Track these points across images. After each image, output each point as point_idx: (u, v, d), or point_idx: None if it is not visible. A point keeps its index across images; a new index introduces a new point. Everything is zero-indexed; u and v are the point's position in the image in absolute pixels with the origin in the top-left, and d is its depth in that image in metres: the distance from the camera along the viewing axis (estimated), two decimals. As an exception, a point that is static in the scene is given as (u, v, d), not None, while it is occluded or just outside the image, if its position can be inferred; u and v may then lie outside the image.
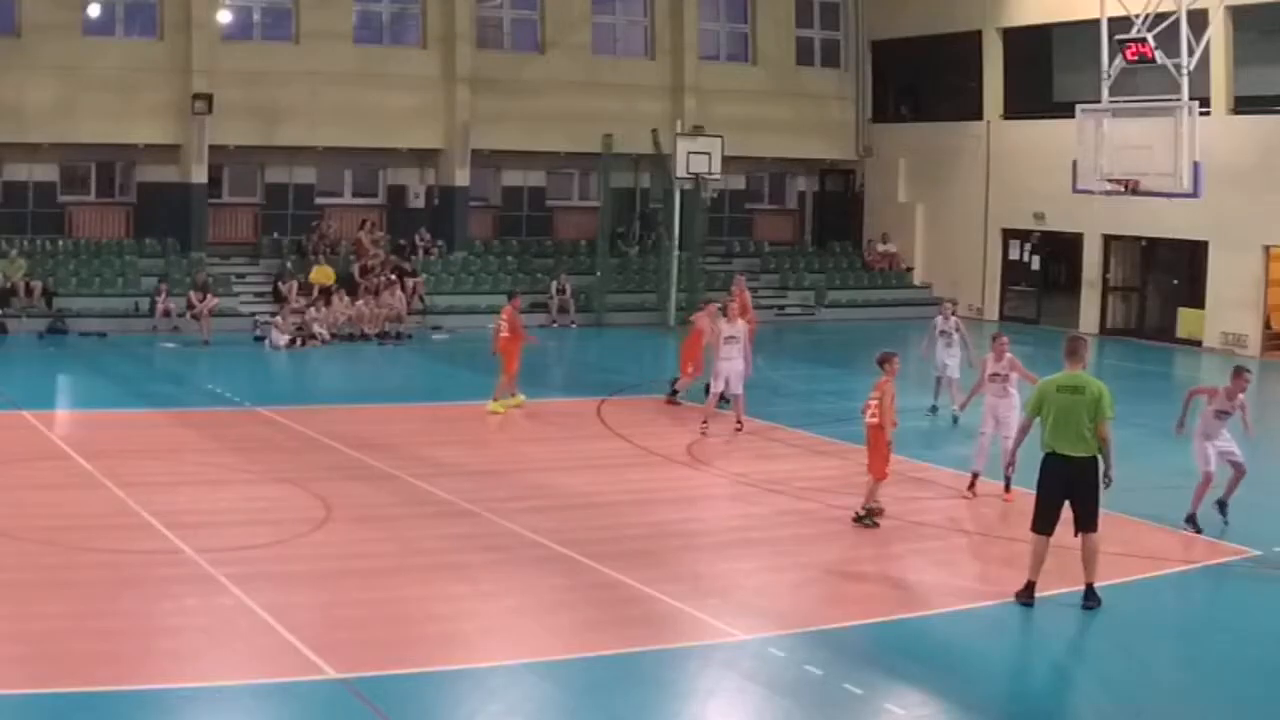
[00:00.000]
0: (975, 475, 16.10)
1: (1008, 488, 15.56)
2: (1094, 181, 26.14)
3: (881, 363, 14.93)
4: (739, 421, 19.64)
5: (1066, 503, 11.78)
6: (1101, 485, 11.73)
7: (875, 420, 14.61)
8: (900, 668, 10.48)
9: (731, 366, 19.62)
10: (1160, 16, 25.39)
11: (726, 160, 32.98)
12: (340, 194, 34.63)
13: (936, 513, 15.17)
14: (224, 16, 31.18)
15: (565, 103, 34.21)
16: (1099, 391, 11.66)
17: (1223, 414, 15.00)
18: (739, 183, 37.71)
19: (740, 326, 20.01)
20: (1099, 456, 11.66)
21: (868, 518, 14.49)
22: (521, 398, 20.98)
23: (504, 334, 20.99)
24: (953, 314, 21.79)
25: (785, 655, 10.54)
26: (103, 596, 11.30)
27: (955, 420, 20.25)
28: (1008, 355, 16.43)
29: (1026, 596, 11.86)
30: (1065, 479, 11.70)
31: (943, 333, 21.43)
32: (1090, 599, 11.84)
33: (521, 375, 21.22)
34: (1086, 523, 11.76)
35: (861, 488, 15.07)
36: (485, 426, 20.01)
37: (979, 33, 35.51)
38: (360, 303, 29.73)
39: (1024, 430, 12.40)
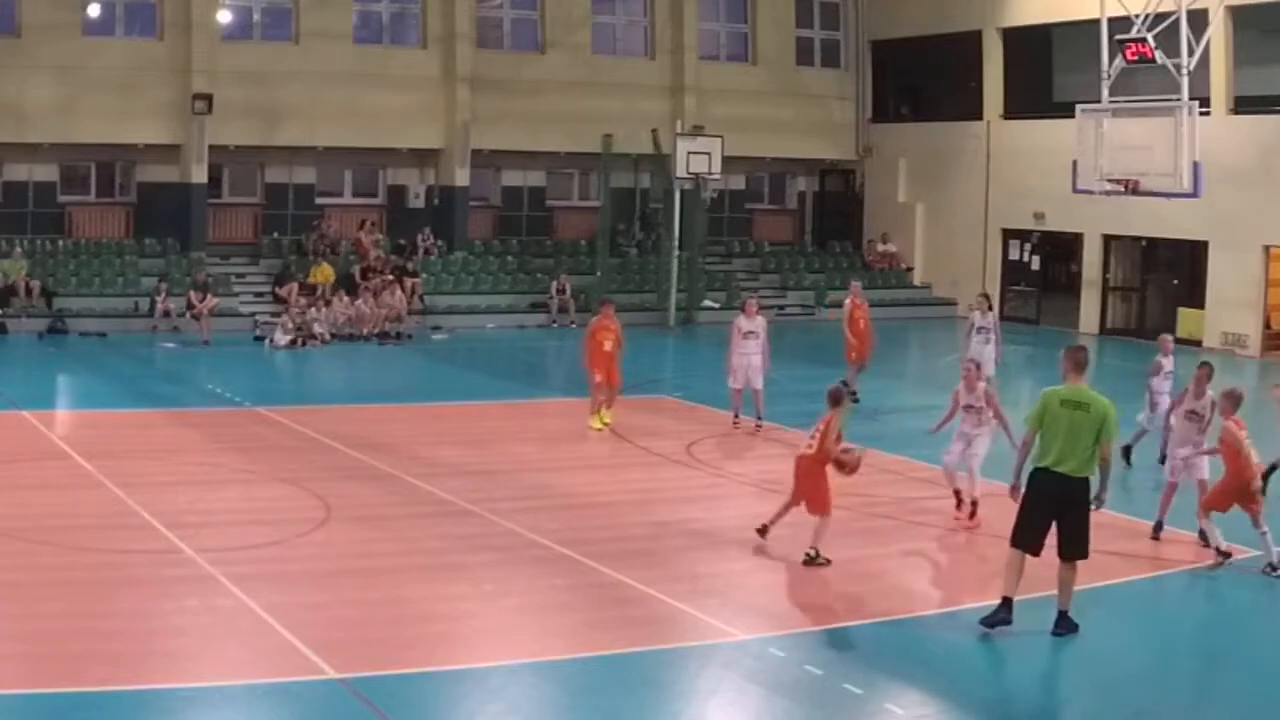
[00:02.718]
0: (958, 493, 15.11)
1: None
2: (1094, 181, 26.14)
3: (837, 399, 13.71)
4: (759, 419, 19.68)
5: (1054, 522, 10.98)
6: (1092, 507, 10.99)
7: (810, 451, 13.33)
8: (900, 668, 10.48)
9: (748, 362, 19.64)
10: (1160, 16, 25.39)
11: (726, 160, 32.98)
12: (340, 194, 34.64)
13: (936, 513, 15.16)
14: (224, 16, 31.20)
15: (565, 103, 34.21)
16: (1105, 410, 10.86)
17: (1192, 415, 14.50)
18: (739, 183, 37.70)
19: (759, 322, 19.98)
20: (1090, 478, 10.92)
21: (818, 557, 12.99)
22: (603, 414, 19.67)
23: (607, 347, 19.50)
24: (990, 309, 21.57)
25: (785, 655, 10.54)
26: (103, 596, 11.30)
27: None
28: (981, 385, 15.32)
29: (1006, 614, 10.99)
30: (1057, 498, 10.87)
31: (980, 329, 21.16)
32: (1062, 626, 11.03)
33: (522, 375, 21.23)
34: (1077, 549, 10.95)
35: (861, 487, 15.07)
36: (485, 426, 20.00)
37: (979, 33, 35.52)
38: (360, 303, 29.74)
39: (1027, 446, 11.25)
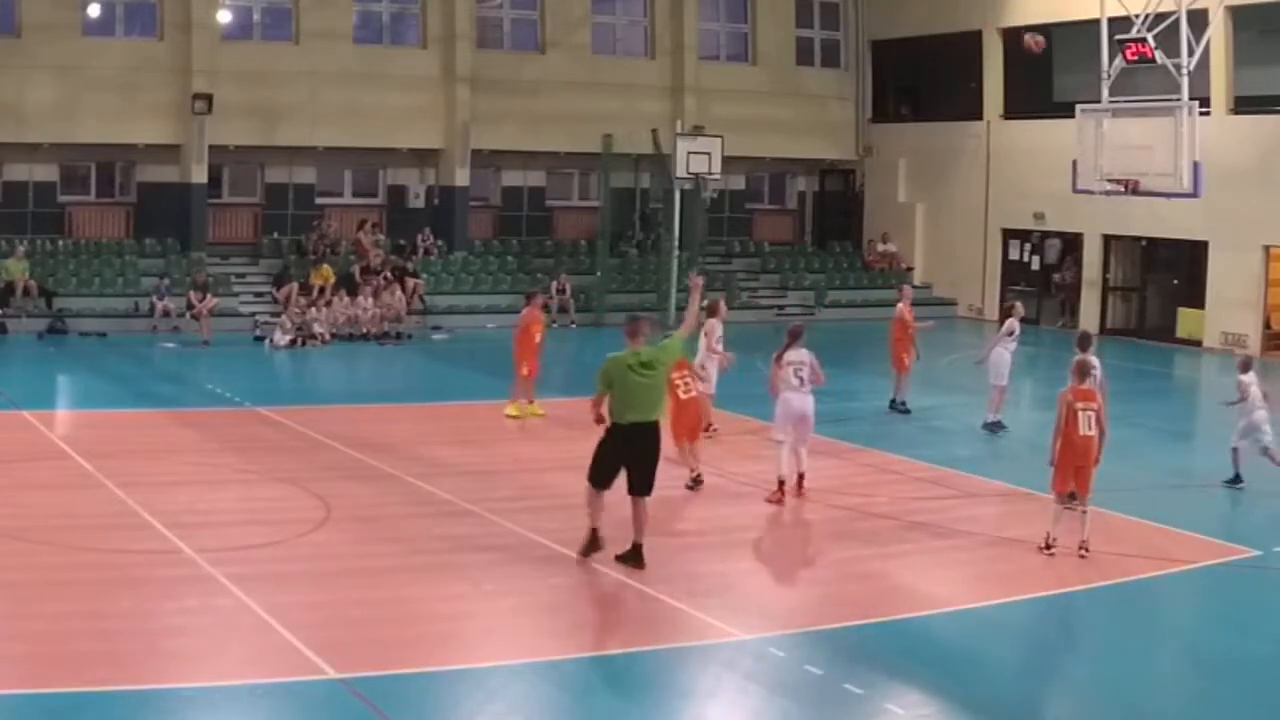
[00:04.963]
0: (783, 481, 15.26)
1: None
2: (1094, 181, 26.12)
3: (635, 334, 14.14)
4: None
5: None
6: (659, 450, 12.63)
7: (691, 394, 15.68)
8: (900, 668, 10.48)
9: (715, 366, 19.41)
10: (1160, 16, 25.38)
11: (726, 160, 32.92)
12: (340, 194, 34.63)
13: (936, 513, 15.16)
14: (224, 16, 31.19)
15: (565, 103, 34.21)
16: (669, 359, 12.97)
17: None
18: (739, 183, 37.69)
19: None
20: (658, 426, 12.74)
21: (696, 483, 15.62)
22: (535, 406, 20.19)
23: (538, 339, 20.16)
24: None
25: (785, 655, 10.54)
26: (103, 596, 11.29)
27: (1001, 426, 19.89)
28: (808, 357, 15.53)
29: (595, 547, 12.53)
30: (638, 444, 12.48)
31: (1012, 335, 20.03)
32: (635, 558, 12.44)
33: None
34: (646, 487, 12.51)
35: (861, 487, 15.05)
36: (485, 426, 19.99)
37: (979, 33, 35.51)
38: (360, 301, 29.74)
39: (597, 404, 12.63)
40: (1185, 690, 10.54)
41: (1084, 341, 16.59)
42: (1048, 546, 13.29)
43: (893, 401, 21.39)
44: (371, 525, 13.99)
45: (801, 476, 15.39)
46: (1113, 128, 25.74)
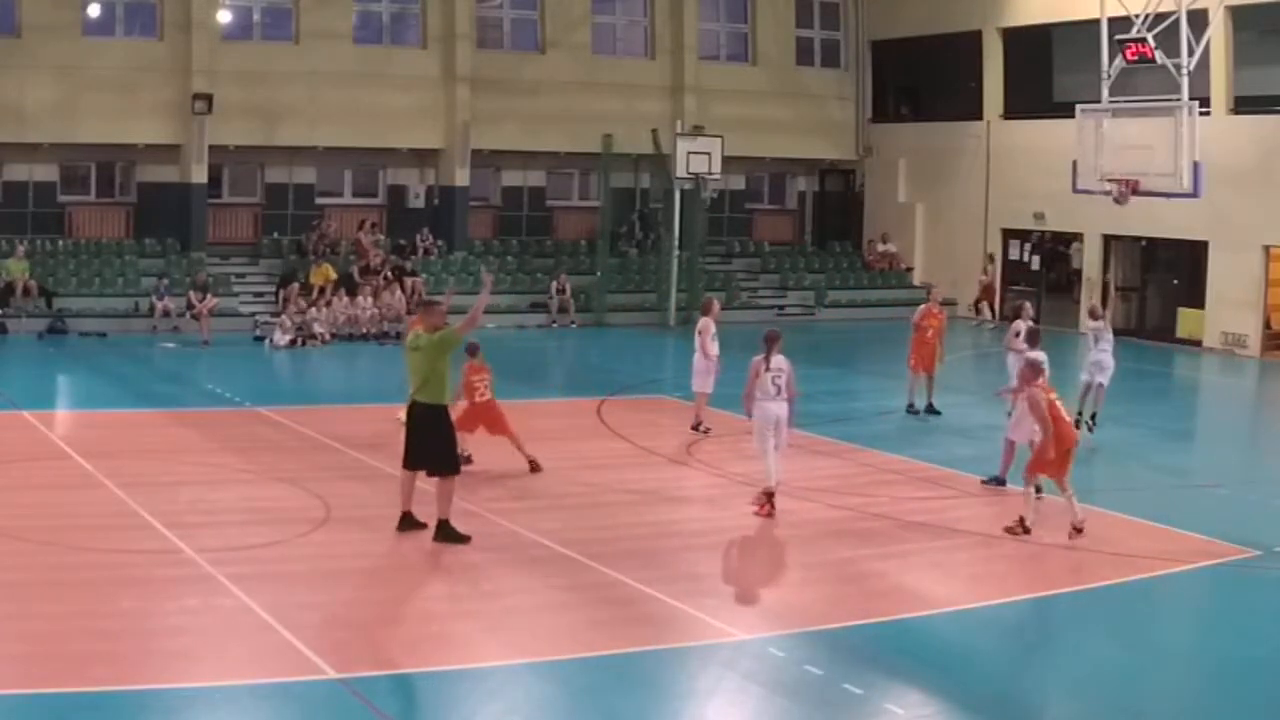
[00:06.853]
0: (771, 493, 14.76)
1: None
2: (1094, 181, 26.12)
3: (474, 351, 16.55)
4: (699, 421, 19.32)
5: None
6: (444, 430, 13.34)
7: (488, 397, 16.43)
8: (900, 668, 10.48)
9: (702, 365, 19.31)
10: (1160, 16, 25.38)
11: (726, 160, 32.97)
12: (340, 194, 34.61)
13: (936, 513, 15.16)
14: (224, 16, 31.18)
15: (565, 103, 34.21)
16: (429, 343, 13.18)
17: None
18: (739, 183, 37.68)
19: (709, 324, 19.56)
20: (439, 407, 13.31)
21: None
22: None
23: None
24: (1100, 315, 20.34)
25: (785, 655, 10.54)
26: (103, 596, 11.29)
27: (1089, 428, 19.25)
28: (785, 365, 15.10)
29: (412, 525, 13.37)
30: (408, 420, 13.33)
31: (1020, 337, 19.58)
32: (436, 533, 13.13)
33: (521, 374, 21.15)
34: (420, 462, 13.30)
35: (861, 487, 15.02)
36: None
37: (979, 33, 35.51)
38: (360, 301, 29.73)
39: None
40: (1185, 691, 10.54)
41: (1032, 338, 16.91)
42: (1024, 529, 13.62)
43: (928, 405, 21.18)
44: (371, 525, 13.98)
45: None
46: (1113, 128, 25.73)
